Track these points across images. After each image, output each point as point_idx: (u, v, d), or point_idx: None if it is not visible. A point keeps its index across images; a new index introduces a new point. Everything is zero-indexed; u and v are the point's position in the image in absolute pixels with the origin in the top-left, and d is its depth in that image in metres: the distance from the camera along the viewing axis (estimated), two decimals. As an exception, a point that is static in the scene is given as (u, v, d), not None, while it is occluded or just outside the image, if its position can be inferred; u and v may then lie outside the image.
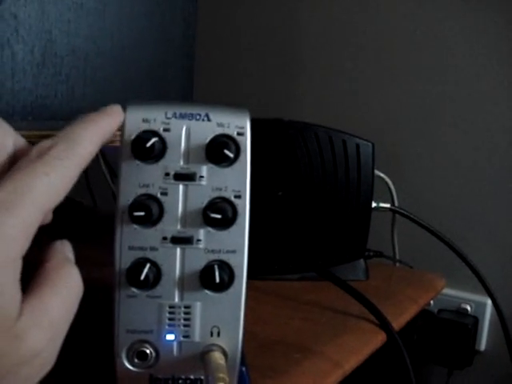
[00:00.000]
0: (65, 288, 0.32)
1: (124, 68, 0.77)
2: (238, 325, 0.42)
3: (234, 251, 0.41)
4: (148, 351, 0.42)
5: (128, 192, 0.40)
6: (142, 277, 0.40)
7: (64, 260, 0.34)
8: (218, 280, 0.40)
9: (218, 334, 0.42)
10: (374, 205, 0.82)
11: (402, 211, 0.85)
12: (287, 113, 0.80)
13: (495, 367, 1.05)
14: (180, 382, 0.43)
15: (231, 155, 0.40)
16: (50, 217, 0.35)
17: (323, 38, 1.17)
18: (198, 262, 0.41)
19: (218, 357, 0.41)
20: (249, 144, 0.42)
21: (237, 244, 0.41)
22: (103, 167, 1.07)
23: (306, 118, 0.79)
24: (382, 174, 0.85)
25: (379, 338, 0.62)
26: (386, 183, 0.86)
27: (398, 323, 0.66)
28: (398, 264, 0.92)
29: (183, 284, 0.41)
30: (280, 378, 0.50)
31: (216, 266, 0.41)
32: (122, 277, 0.40)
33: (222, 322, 0.42)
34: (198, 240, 0.41)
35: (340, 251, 0.79)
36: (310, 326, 0.63)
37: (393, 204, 0.85)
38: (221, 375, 0.38)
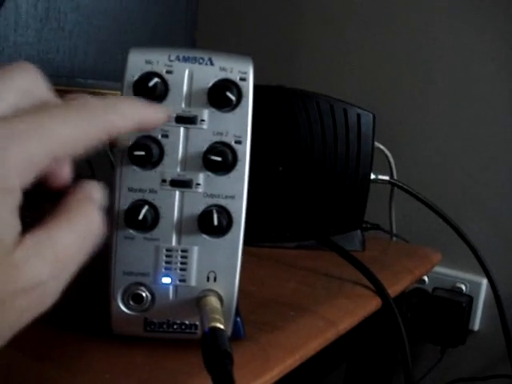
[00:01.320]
0: (80, 226, 0.30)
1: (127, 29, 0.77)
2: (235, 271, 0.42)
3: (232, 197, 0.41)
4: (144, 294, 0.42)
5: (129, 133, 0.40)
6: (140, 217, 0.40)
7: (86, 199, 0.31)
8: (216, 223, 0.40)
9: (215, 280, 0.42)
10: (372, 177, 0.81)
11: (401, 184, 0.85)
12: (287, 82, 0.80)
13: (488, 347, 1.05)
14: (175, 326, 0.43)
15: (233, 98, 0.40)
16: (65, 171, 0.33)
17: (326, 8, 1.17)
18: (197, 206, 0.41)
19: (213, 301, 0.41)
20: (251, 90, 0.41)
21: (236, 189, 0.41)
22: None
23: (306, 88, 0.78)
24: (381, 146, 0.84)
25: (374, 303, 0.62)
26: (386, 156, 0.86)
27: (393, 291, 0.66)
28: (394, 238, 0.92)
29: (181, 228, 0.41)
30: (274, 332, 0.50)
31: (214, 211, 0.41)
32: (120, 218, 0.40)
33: (219, 267, 0.42)
34: (198, 184, 0.41)
35: (337, 221, 0.79)
36: (305, 288, 0.63)
37: (391, 177, 0.85)
38: (216, 316, 0.38)
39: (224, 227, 0.41)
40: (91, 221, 0.31)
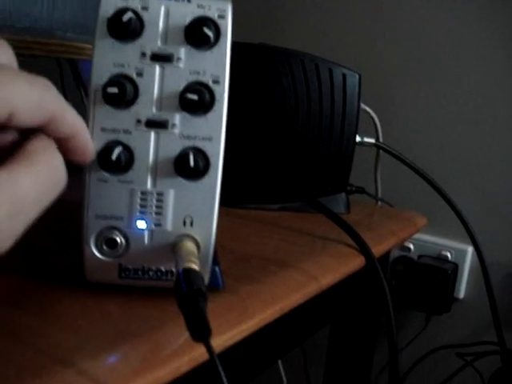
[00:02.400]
0: (41, 170, 0.29)
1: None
2: (212, 216, 0.41)
3: (210, 139, 0.40)
4: (118, 239, 0.40)
5: (102, 71, 0.39)
6: (114, 157, 0.38)
7: (48, 144, 0.31)
8: (192, 164, 0.39)
9: (191, 224, 0.41)
10: (358, 139, 0.80)
11: (387, 147, 0.84)
12: (271, 40, 0.78)
13: (473, 315, 1.05)
14: (150, 273, 0.41)
15: (211, 35, 0.39)
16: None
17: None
18: (173, 147, 0.40)
19: (189, 245, 0.40)
20: (229, 28, 0.40)
21: (213, 131, 0.40)
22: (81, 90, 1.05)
23: (290, 47, 0.77)
24: (367, 108, 0.83)
25: (357, 262, 0.61)
26: (372, 118, 0.84)
27: (376, 251, 0.65)
28: (379, 203, 0.91)
29: (156, 170, 0.40)
30: (254, 284, 0.49)
31: (191, 153, 0.39)
32: (93, 159, 0.39)
33: (196, 211, 0.41)
34: (174, 125, 0.39)
35: (322, 183, 0.78)
36: (288, 245, 0.62)
37: (377, 139, 0.84)
38: (191, 258, 0.37)
39: (201, 170, 0.40)
40: (52, 166, 0.30)
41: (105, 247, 0.40)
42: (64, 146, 0.33)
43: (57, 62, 1.16)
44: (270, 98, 0.75)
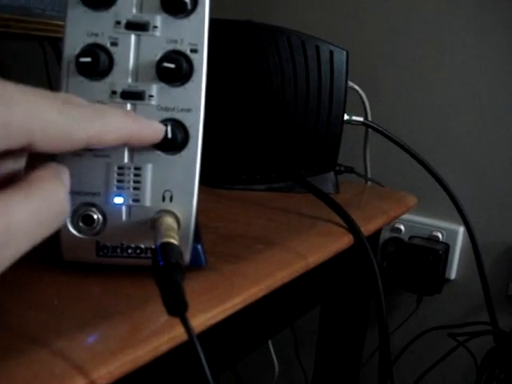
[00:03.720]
0: (39, 200, 0.27)
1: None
2: (192, 190, 0.40)
3: (188, 110, 0.38)
4: (95, 216, 0.39)
5: (75, 41, 0.37)
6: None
7: (55, 174, 0.29)
8: (170, 135, 0.37)
9: (171, 199, 0.39)
10: (346, 117, 0.79)
11: (376, 126, 0.82)
12: (256, 17, 0.76)
13: (464, 296, 1.04)
14: (129, 250, 0.40)
15: (187, 1, 0.37)
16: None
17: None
18: (149, 118, 0.38)
19: (169, 221, 0.38)
20: (207, -6, 0.38)
21: (192, 102, 0.38)
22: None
23: (276, 24, 0.75)
24: (355, 86, 0.82)
25: (346, 240, 0.60)
26: (360, 96, 0.83)
27: (366, 229, 0.64)
28: (369, 182, 0.90)
29: (133, 144, 0.38)
30: (240, 263, 0.48)
31: (169, 124, 0.38)
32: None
33: (175, 186, 0.39)
34: (150, 96, 0.38)
35: (310, 163, 0.77)
36: (275, 225, 0.60)
37: (366, 118, 0.83)
38: (170, 233, 0.36)
39: (179, 142, 0.38)
40: (53, 197, 0.29)
41: (81, 224, 0.39)
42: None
43: (40, 44, 1.14)
44: (255, 75, 0.73)
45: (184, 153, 0.39)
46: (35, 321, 0.35)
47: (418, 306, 1.06)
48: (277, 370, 1.13)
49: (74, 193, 0.38)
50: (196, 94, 0.38)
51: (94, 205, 0.39)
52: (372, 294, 0.92)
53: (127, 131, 0.34)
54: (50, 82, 1.16)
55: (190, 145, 0.39)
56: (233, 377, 1.06)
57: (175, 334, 0.36)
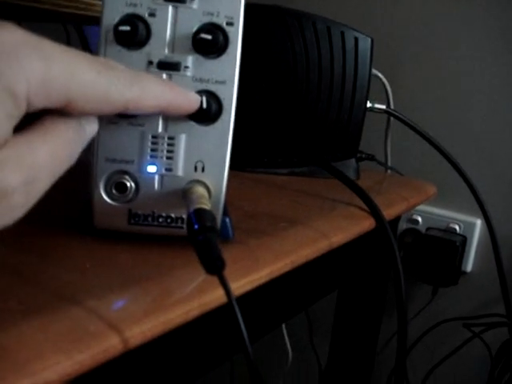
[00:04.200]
0: (58, 140, 0.29)
1: None
2: (224, 162, 0.40)
3: (223, 82, 0.39)
4: (128, 183, 0.40)
5: (113, 11, 0.38)
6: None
7: (70, 118, 0.30)
8: (204, 106, 0.38)
9: (203, 170, 0.40)
10: (368, 105, 0.79)
11: (398, 114, 0.82)
12: (283, 2, 0.77)
13: (480, 288, 1.04)
14: (160, 219, 0.41)
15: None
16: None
17: None
18: (185, 88, 0.39)
19: (200, 190, 0.39)
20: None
21: (227, 74, 0.39)
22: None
23: (302, 9, 0.75)
24: (379, 74, 0.82)
25: (367, 223, 0.60)
26: (383, 84, 0.83)
27: (387, 214, 0.64)
28: (389, 171, 0.90)
29: (168, 113, 0.39)
30: (265, 238, 0.48)
31: (204, 96, 0.38)
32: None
33: (207, 156, 0.40)
34: (186, 67, 0.39)
35: (332, 149, 0.77)
36: (297, 206, 0.61)
37: (388, 106, 0.83)
38: (203, 200, 0.36)
39: (213, 113, 0.39)
40: (68, 139, 0.30)
41: (114, 191, 0.40)
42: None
43: (64, 27, 1.15)
44: (280, 60, 0.73)
45: (217, 124, 0.39)
46: (67, 281, 0.36)
47: (433, 297, 1.06)
48: (290, 355, 1.13)
49: (108, 160, 0.39)
50: (230, 67, 0.39)
51: (127, 173, 0.39)
52: (389, 280, 0.92)
53: (165, 99, 0.34)
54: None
55: (223, 116, 0.39)
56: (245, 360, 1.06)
57: (205, 300, 0.37)
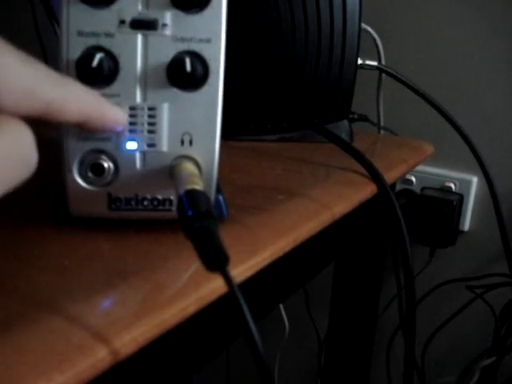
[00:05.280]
0: (5, 141, 0.24)
1: None
2: (214, 132, 0.35)
3: (208, 40, 0.34)
4: (105, 164, 0.34)
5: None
6: (94, 64, 0.32)
7: (15, 118, 0.25)
8: (189, 69, 0.32)
9: (190, 143, 0.35)
10: (359, 62, 0.74)
11: (390, 70, 0.77)
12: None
13: (478, 247, 1.01)
14: (145, 202, 0.36)
15: None
16: None
17: None
18: (165, 52, 0.33)
19: (190, 167, 0.34)
20: None
21: (212, 31, 0.34)
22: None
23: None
24: (369, 29, 0.76)
25: (369, 189, 0.56)
26: (374, 39, 0.78)
27: (388, 178, 0.60)
28: (382, 131, 0.86)
29: (146, 80, 0.34)
30: (262, 215, 0.43)
31: (187, 57, 0.33)
32: (71, 69, 0.33)
33: (195, 128, 0.35)
34: (164, 25, 0.33)
35: (323, 110, 0.72)
36: (292, 174, 0.56)
37: (379, 62, 0.78)
38: (194, 179, 0.31)
39: (199, 77, 0.34)
40: (19, 140, 0.24)
41: (90, 174, 0.34)
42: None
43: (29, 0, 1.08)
44: (264, 18, 0.68)
45: (204, 90, 0.34)
46: (45, 284, 0.31)
47: (431, 258, 1.02)
48: (287, 327, 1.10)
49: (80, 138, 0.34)
50: (216, 22, 0.34)
51: (103, 152, 0.34)
52: (387, 246, 0.89)
53: (89, 107, 0.29)
54: (40, 36, 1.09)
55: (210, 80, 0.34)
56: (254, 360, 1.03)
57: (203, 293, 0.32)
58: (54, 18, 0.99)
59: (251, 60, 0.68)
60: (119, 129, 0.33)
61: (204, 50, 0.34)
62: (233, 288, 0.24)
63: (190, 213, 0.27)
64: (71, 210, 0.36)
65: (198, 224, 0.26)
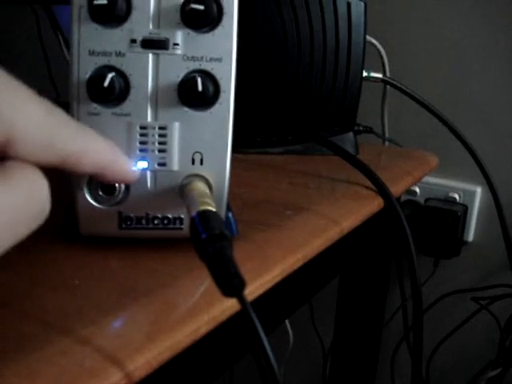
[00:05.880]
0: (20, 192, 0.23)
1: None
2: (225, 151, 0.35)
3: (219, 59, 0.34)
4: (116, 183, 0.34)
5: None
6: (106, 84, 0.32)
7: (32, 168, 0.25)
8: (200, 89, 0.32)
9: (201, 162, 0.35)
10: (364, 74, 0.74)
11: (395, 82, 0.77)
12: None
13: (482, 258, 1.00)
14: (156, 221, 0.35)
15: None
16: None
17: None
18: (176, 71, 0.33)
19: (201, 186, 0.34)
20: None
21: (223, 50, 0.34)
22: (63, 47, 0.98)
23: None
24: (373, 41, 0.77)
25: (376, 203, 0.56)
26: (378, 51, 0.78)
27: (394, 191, 0.59)
28: (386, 143, 0.85)
29: (157, 99, 0.34)
30: (271, 231, 0.43)
31: (198, 76, 0.33)
32: (82, 89, 0.33)
33: (206, 147, 0.35)
34: (175, 44, 0.33)
35: (328, 123, 0.72)
36: (298, 189, 0.56)
37: (384, 74, 0.78)
38: (206, 200, 0.31)
39: (210, 96, 0.33)
40: (34, 194, 0.24)
41: (101, 193, 0.34)
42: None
43: (32, 9, 1.08)
44: (269, 31, 0.68)
45: (215, 109, 0.34)
46: (55, 305, 0.30)
47: (435, 269, 1.02)
48: (291, 339, 1.09)
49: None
50: (227, 41, 0.34)
51: (114, 171, 0.34)
52: (392, 259, 0.88)
53: (105, 159, 0.29)
54: (43, 46, 1.10)
55: (221, 100, 0.34)
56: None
57: (215, 314, 0.32)
58: (58, 28, 0.99)
59: (257, 73, 0.68)
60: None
61: (215, 69, 0.34)
62: (249, 313, 0.24)
63: (203, 236, 0.27)
64: (81, 229, 0.36)
65: (213, 248, 0.26)
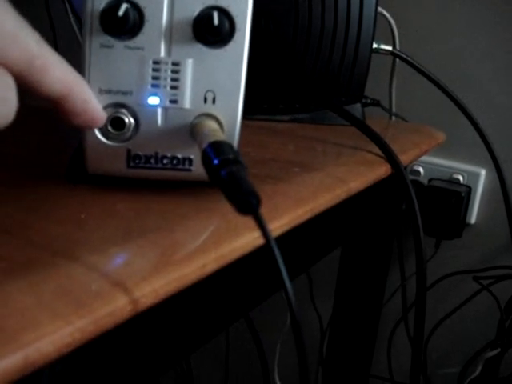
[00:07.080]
0: None
1: None
2: (238, 91, 0.34)
3: (235, -5, 0.33)
4: (126, 119, 0.34)
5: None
6: (120, 13, 0.31)
7: None
8: (216, 22, 0.32)
9: (213, 101, 0.34)
10: (374, 46, 0.73)
11: (404, 55, 0.77)
12: None
13: (485, 240, 1.00)
14: (165, 161, 0.35)
15: None
16: None
17: None
18: (191, 6, 0.33)
19: (212, 125, 0.33)
20: None
21: (240, -14, 0.33)
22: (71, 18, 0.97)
23: None
24: (385, 12, 0.76)
25: (383, 169, 0.55)
26: (389, 23, 0.77)
27: (402, 160, 0.59)
28: (393, 117, 0.85)
29: (171, 34, 0.33)
30: (280, 184, 0.43)
31: (214, 12, 0.32)
32: (95, 20, 0.32)
33: (219, 85, 0.34)
34: (192, -23, 0.32)
35: (336, 93, 0.71)
36: (306, 151, 0.55)
37: (394, 47, 0.77)
38: (217, 133, 0.30)
39: (225, 33, 0.33)
40: (1, 85, 0.24)
41: (110, 129, 0.34)
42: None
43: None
44: (279, 1, 0.67)
45: (229, 47, 0.33)
46: (61, 235, 0.30)
47: (436, 250, 1.02)
48: (288, 315, 1.09)
49: (101, 91, 0.33)
50: (244, -23, 0.33)
51: (124, 106, 0.33)
52: (394, 234, 0.88)
53: (70, 79, 0.28)
54: (54, 31, 1.08)
55: (236, 38, 0.33)
56: (245, 323, 1.02)
57: (223, 252, 0.31)
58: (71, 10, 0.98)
59: (266, 40, 0.68)
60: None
61: (231, 6, 0.33)
62: (265, 230, 0.24)
63: (216, 161, 0.26)
64: (89, 167, 0.35)
65: (226, 170, 0.25)
